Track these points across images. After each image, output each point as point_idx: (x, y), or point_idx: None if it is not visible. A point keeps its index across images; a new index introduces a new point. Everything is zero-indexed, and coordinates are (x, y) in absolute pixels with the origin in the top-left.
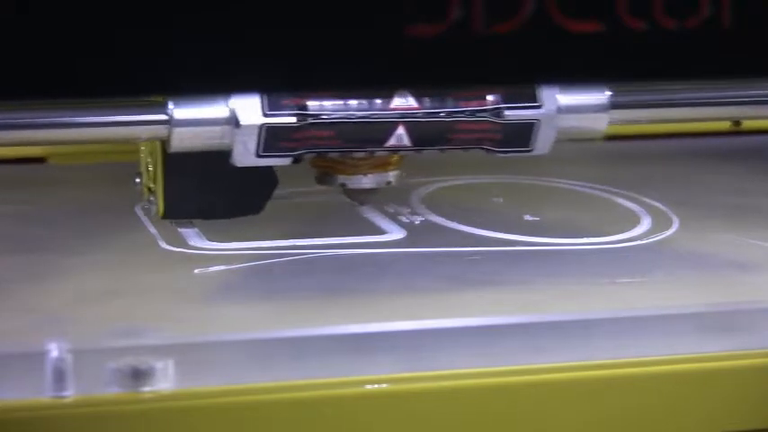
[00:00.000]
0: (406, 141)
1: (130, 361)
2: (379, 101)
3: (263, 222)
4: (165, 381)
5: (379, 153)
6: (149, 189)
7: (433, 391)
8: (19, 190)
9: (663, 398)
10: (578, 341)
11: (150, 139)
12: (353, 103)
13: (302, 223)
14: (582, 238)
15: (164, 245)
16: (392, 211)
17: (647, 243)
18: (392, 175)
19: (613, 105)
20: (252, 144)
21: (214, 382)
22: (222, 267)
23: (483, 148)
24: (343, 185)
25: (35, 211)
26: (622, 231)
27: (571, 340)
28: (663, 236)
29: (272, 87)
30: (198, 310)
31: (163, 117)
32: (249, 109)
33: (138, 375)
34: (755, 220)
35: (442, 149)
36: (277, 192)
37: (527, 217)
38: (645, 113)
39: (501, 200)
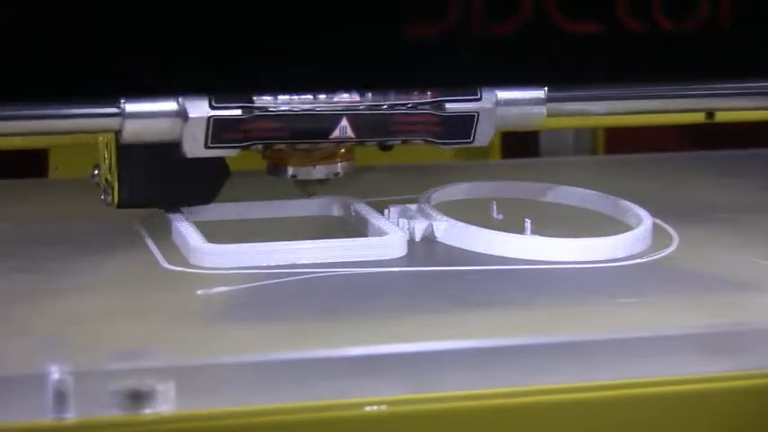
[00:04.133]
0: (350, 133)
1: (132, 383)
2: (323, 95)
3: (267, 231)
4: (167, 403)
5: (325, 145)
6: (106, 180)
7: (434, 413)
8: (19, 205)
9: (663, 418)
10: (578, 362)
11: (103, 132)
12: (299, 96)
13: (304, 235)
14: (581, 257)
15: (165, 264)
16: (395, 220)
17: (646, 262)
18: (341, 166)
19: (549, 99)
20: (200, 136)
21: (215, 404)
22: (223, 288)
23: (425, 140)
24: (293, 177)
25: (35, 227)
26: (622, 249)
27: (571, 361)
28: (662, 254)
29: (272, 87)
30: (199, 331)
31: (115, 110)
32: (197, 102)
33: (140, 397)
34: (756, 237)
35: (384, 141)
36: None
37: (527, 234)
38: (579, 106)
39: (501, 216)
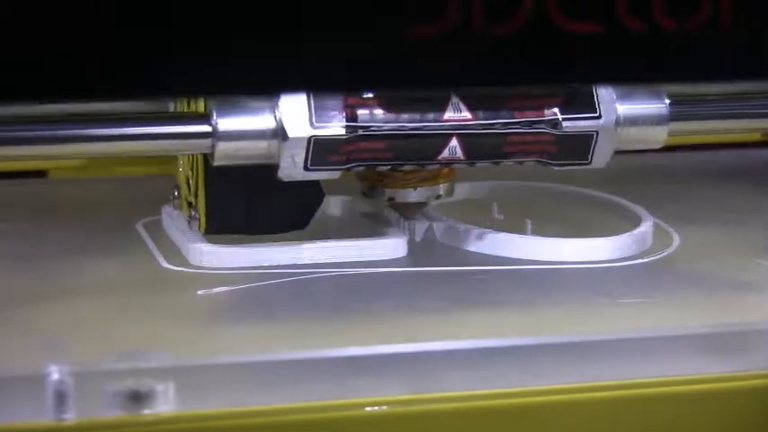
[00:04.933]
0: (460, 154)
1: (131, 383)
2: (431, 113)
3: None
4: (167, 403)
5: (431, 166)
6: (189, 203)
7: (435, 414)
8: (19, 207)
9: (663, 419)
10: (578, 362)
11: (193, 153)
12: (405, 114)
13: (304, 235)
14: (581, 257)
15: (165, 264)
16: (395, 220)
17: (647, 262)
18: (442, 188)
19: (673, 117)
20: (300, 157)
21: (215, 404)
22: (224, 288)
23: (539, 161)
24: (391, 199)
25: (35, 228)
26: (623, 249)
27: (571, 361)
28: (663, 254)
29: (271, 87)
30: (199, 331)
31: (206, 129)
32: (297, 120)
33: (139, 398)
34: (757, 237)
35: (496, 162)
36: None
37: (527, 234)
38: (705, 125)
39: (502, 216)
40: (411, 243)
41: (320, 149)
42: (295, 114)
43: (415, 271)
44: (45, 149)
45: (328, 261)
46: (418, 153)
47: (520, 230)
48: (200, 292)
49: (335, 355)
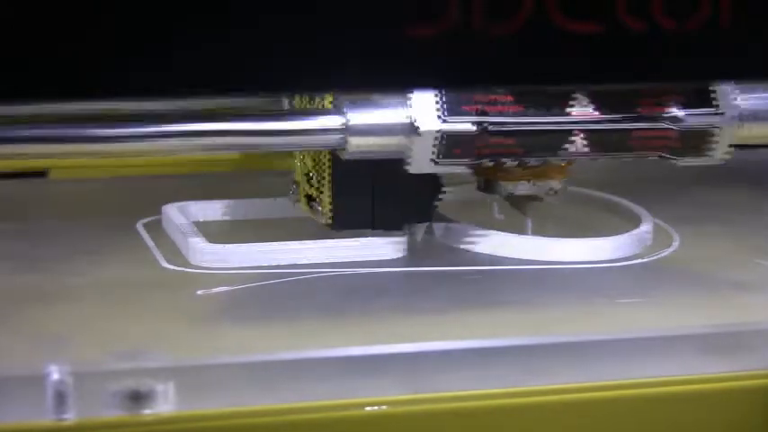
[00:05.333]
0: (584, 149)
1: (131, 383)
2: (557, 109)
3: (267, 230)
4: (166, 403)
5: (551, 161)
6: (309, 197)
7: (434, 413)
8: (19, 207)
9: (663, 419)
10: (578, 362)
11: (326, 147)
12: (532, 110)
13: (304, 235)
14: (581, 257)
15: (165, 264)
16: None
17: (647, 262)
18: (556, 183)
19: None
20: (429, 151)
21: (215, 404)
22: (223, 288)
23: (661, 156)
24: (510, 194)
25: (35, 228)
26: (623, 249)
27: (571, 361)
28: (663, 254)
29: (272, 87)
30: (199, 331)
31: (339, 124)
32: (427, 115)
33: (139, 398)
34: (756, 237)
35: (618, 157)
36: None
37: (527, 234)
38: None
39: (502, 216)
40: (411, 243)
41: (450, 143)
42: (426, 109)
43: (414, 271)
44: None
45: (328, 261)
46: (544, 148)
47: (520, 230)
48: (199, 292)
49: (335, 355)
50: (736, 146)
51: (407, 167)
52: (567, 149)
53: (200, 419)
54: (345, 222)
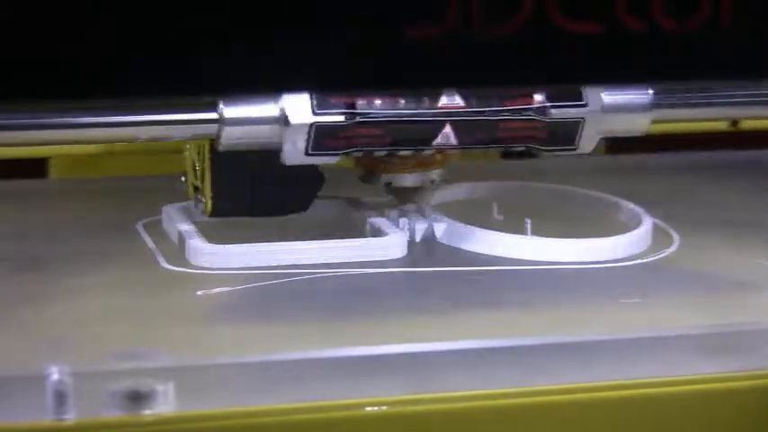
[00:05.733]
0: (453, 140)
1: (131, 384)
2: (426, 100)
3: (267, 231)
4: (166, 403)
5: (425, 152)
6: (195, 188)
7: (434, 413)
8: (18, 206)
9: (663, 419)
10: (578, 362)
11: (200, 138)
12: (401, 101)
13: (304, 235)
14: (581, 257)
15: (165, 264)
16: (395, 220)
17: (646, 262)
18: (436, 174)
19: (656, 104)
20: (301, 143)
21: (215, 404)
22: (224, 288)
23: (528, 147)
24: (388, 184)
25: (35, 228)
26: (623, 249)
27: (571, 362)
28: (663, 255)
29: (271, 88)
30: (199, 331)
31: (213, 116)
32: (298, 108)
33: (139, 398)
34: (756, 237)
35: (486, 148)
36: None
37: (527, 234)
38: (687, 112)
39: (502, 217)
40: (411, 243)
41: (320, 135)
42: (298, 102)
43: (415, 271)
44: (51, 135)
45: (328, 261)
46: (413, 139)
47: (520, 230)
48: (199, 293)
49: (335, 355)
50: (733, 147)
51: (282, 159)
52: (435, 140)
53: (201, 419)
54: (224, 210)
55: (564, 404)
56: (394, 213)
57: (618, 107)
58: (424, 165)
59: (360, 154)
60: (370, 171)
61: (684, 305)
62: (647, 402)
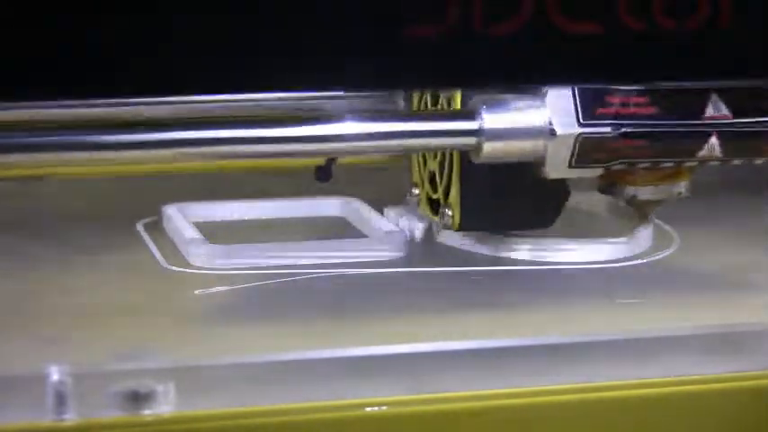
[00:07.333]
0: (718, 152)
1: (131, 384)
2: (692, 111)
3: (267, 230)
4: (167, 404)
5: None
6: (431, 200)
7: (434, 413)
8: (19, 207)
9: (663, 419)
10: (578, 363)
11: (458, 149)
12: (665, 112)
13: (304, 235)
14: (583, 258)
15: (165, 264)
16: (394, 220)
17: (647, 262)
18: (683, 186)
19: None
20: (566, 155)
21: (215, 404)
22: (223, 288)
23: None
24: (633, 197)
25: (36, 227)
26: (622, 250)
27: (571, 362)
28: (663, 255)
29: (271, 88)
30: (199, 332)
31: (473, 126)
32: (564, 118)
33: (140, 399)
34: (756, 238)
35: (752, 160)
36: None
37: (528, 235)
38: None
39: None
40: (411, 243)
41: (586, 147)
42: (563, 112)
43: (414, 271)
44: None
45: (328, 261)
46: (678, 151)
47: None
48: (198, 292)
49: (335, 355)
50: None
51: (544, 172)
52: (700, 152)
53: (201, 420)
54: (472, 225)
55: (564, 404)
56: (394, 213)
57: None
58: (672, 177)
59: (622, 166)
60: (612, 183)
61: (684, 305)
62: (647, 403)
